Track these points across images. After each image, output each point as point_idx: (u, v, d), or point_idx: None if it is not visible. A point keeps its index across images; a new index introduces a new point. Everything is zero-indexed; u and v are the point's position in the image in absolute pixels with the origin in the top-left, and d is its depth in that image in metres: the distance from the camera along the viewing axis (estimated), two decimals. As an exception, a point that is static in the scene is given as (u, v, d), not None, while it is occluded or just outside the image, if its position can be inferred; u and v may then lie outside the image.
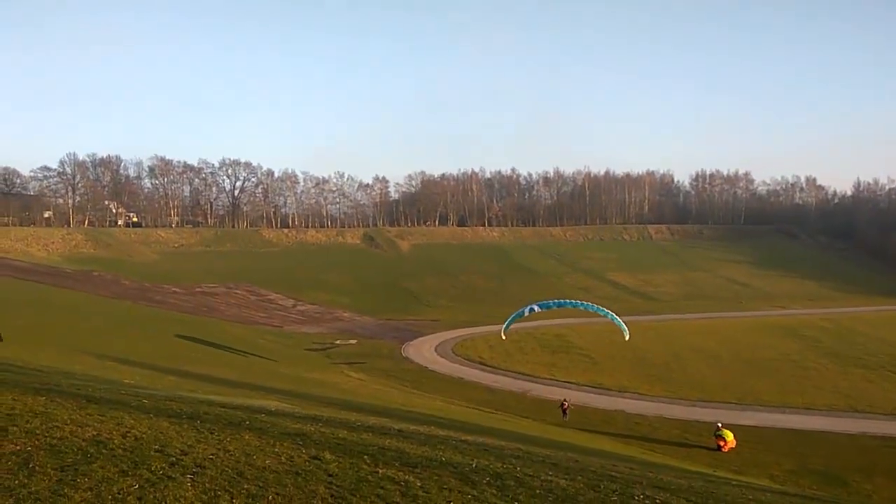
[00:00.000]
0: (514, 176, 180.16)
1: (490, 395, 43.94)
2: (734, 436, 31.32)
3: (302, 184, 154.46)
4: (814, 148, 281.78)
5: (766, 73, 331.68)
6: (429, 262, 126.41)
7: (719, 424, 32.22)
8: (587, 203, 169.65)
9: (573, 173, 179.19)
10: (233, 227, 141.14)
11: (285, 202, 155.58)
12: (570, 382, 48.10)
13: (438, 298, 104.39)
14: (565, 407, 37.65)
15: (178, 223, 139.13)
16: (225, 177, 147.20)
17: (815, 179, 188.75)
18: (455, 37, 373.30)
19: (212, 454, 6.62)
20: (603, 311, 37.95)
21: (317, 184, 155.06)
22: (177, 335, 54.20)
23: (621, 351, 60.55)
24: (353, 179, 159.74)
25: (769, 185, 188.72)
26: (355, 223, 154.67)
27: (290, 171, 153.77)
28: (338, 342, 66.46)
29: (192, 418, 9.02)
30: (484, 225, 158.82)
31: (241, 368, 39.12)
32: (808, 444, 32.90)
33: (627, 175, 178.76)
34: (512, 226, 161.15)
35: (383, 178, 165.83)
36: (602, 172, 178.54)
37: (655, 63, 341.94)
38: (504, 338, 43.02)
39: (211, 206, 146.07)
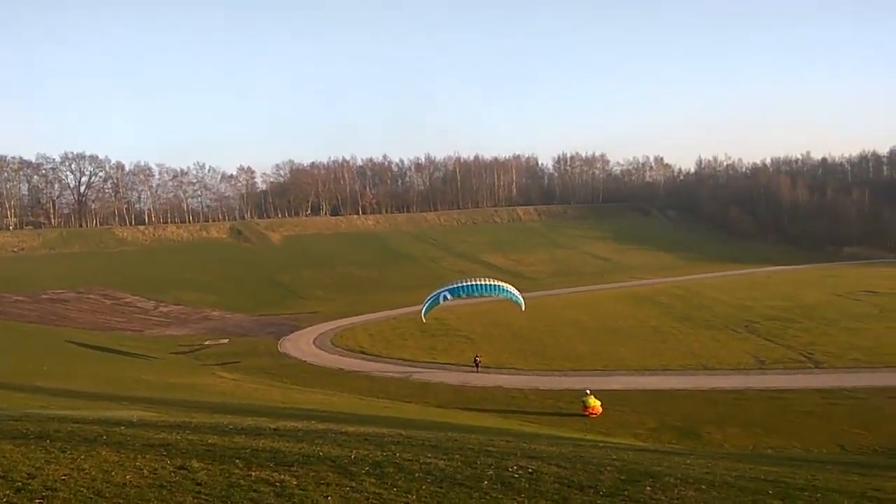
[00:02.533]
0: (387, 163, 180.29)
1: (371, 383, 43.89)
2: (601, 401, 33.52)
3: (157, 177, 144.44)
4: (661, 129, 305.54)
5: (617, 55, 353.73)
6: (303, 254, 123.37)
7: (588, 391, 34.33)
8: (459, 188, 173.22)
9: (444, 159, 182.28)
10: (80, 226, 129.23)
11: (139, 197, 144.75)
12: (451, 364, 49.09)
13: (315, 290, 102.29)
14: (478, 361, 45.33)
15: (16, 225, 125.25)
16: (69, 172, 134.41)
17: (662, 159, 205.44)
18: (321, 22, 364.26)
19: (64, 475, 6.13)
20: (506, 291, 42.61)
21: (174, 176, 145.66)
22: (68, 341, 48.81)
23: (498, 329, 62.81)
24: (215, 171, 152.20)
25: (622, 165, 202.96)
26: (220, 216, 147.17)
27: (142, 164, 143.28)
28: (207, 342, 63.20)
29: (40, 438, 8.27)
30: (358, 213, 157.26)
31: (100, 379, 36.13)
32: (667, 402, 35.92)
33: (495, 159, 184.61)
34: (386, 213, 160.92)
35: (249, 168, 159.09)
36: (471, 157, 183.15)
37: (516, 47, 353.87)
38: (424, 321, 46.71)
39: (54, 205, 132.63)
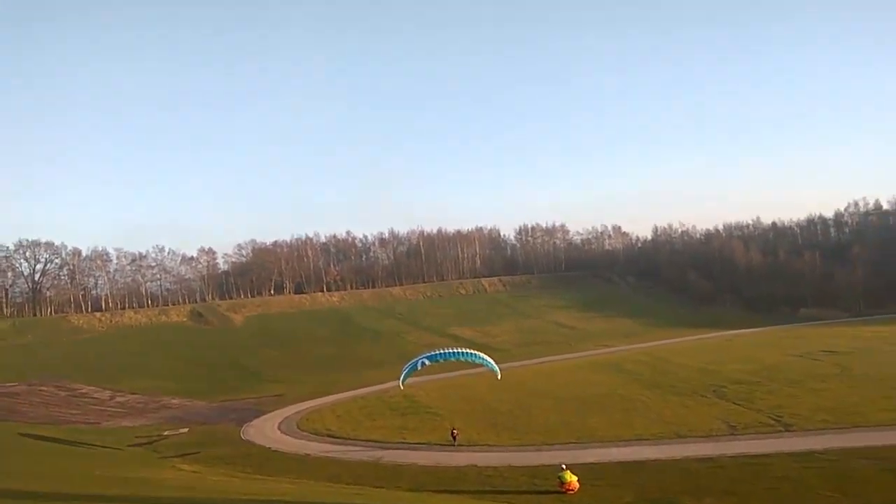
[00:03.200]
0: (351, 238, 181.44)
1: (340, 468, 42.17)
2: (578, 476, 32.70)
3: (115, 261, 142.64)
4: (617, 198, 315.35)
5: (568, 126, 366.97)
6: (266, 334, 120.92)
7: (563, 466, 33.53)
8: (423, 261, 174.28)
9: (408, 233, 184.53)
10: (34, 315, 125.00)
11: (96, 283, 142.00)
12: (422, 443, 47.72)
13: (280, 371, 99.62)
14: (455, 434, 46.19)
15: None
16: (23, 260, 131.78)
17: (620, 227, 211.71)
18: (280, 100, 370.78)
19: None
20: (481, 359, 44.38)
21: (133, 260, 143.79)
22: (20, 434, 45.62)
23: (468, 404, 61.70)
24: (174, 253, 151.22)
25: (582, 234, 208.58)
26: (181, 299, 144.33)
27: (100, 249, 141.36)
28: (166, 433, 60.34)
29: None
30: (322, 290, 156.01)
31: (50, 476, 33.91)
32: (643, 473, 35.27)
33: (458, 232, 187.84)
34: (351, 289, 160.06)
35: (209, 249, 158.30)
36: (435, 231, 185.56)
37: (473, 121, 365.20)
38: (402, 388, 48.19)
39: (6, 294, 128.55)
